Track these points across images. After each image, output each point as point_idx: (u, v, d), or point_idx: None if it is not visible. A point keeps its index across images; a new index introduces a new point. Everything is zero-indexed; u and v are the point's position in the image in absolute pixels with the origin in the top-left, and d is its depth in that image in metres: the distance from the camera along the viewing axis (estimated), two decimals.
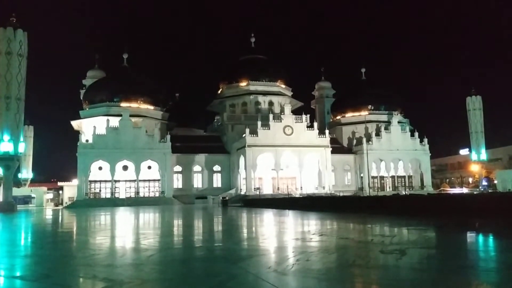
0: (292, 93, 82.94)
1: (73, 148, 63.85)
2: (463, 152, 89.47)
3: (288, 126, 66.43)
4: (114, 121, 64.77)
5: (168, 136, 66.46)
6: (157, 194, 65.66)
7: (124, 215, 27.34)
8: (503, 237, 9.66)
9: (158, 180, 66.11)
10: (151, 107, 73.37)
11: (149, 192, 66.55)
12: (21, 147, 49.99)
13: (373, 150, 72.69)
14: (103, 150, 62.57)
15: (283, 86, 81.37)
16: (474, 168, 79.13)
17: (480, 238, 9.86)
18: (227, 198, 51.92)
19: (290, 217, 19.77)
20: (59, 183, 79.02)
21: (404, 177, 76.20)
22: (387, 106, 79.77)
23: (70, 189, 73.69)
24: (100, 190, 65.84)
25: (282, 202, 37.18)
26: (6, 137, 47.49)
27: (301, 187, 64.75)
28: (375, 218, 16.48)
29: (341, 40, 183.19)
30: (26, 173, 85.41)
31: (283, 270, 5.57)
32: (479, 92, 79.99)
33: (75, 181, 68.19)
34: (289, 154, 65.63)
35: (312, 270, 5.63)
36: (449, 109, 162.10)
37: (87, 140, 64.14)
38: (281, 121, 66.61)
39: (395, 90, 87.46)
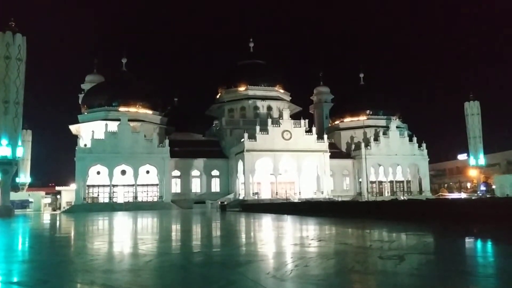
0: (290, 98, 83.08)
1: (71, 152, 63.88)
2: (461, 157, 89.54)
3: (287, 131, 66.49)
4: (113, 126, 64.76)
5: (167, 141, 66.46)
6: (155, 199, 65.54)
7: (122, 220, 27.26)
8: (502, 242, 9.66)
9: (157, 184, 66.00)
10: (150, 112, 73.41)
11: (147, 196, 66.41)
12: (19, 152, 49.83)
13: (371, 155, 72.79)
14: (101, 155, 62.50)
15: (282, 91, 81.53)
16: (472, 173, 79.20)
17: (479, 243, 9.86)
18: (225, 203, 51.84)
19: (289, 222, 19.75)
20: (57, 188, 78.79)
21: (402, 182, 76.22)
22: (385, 111, 79.99)
23: (68, 194, 73.42)
24: (98, 195, 65.67)
25: (280, 207, 37.12)
26: (4, 141, 47.36)
27: (300, 192, 64.70)
28: (373, 223, 16.47)
29: (340, 45, 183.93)
30: (24, 177, 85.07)
31: (282, 276, 5.56)
32: (477, 97, 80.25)
33: (73, 186, 68.05)
34: (287, 159, 65.63)
35: (311, 276, 5.62)
36: (447, 114, 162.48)
37: (85, 145, 64.06)
38: (279, 126, 66.67)
39: (393, 95, 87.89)
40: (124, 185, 65.62)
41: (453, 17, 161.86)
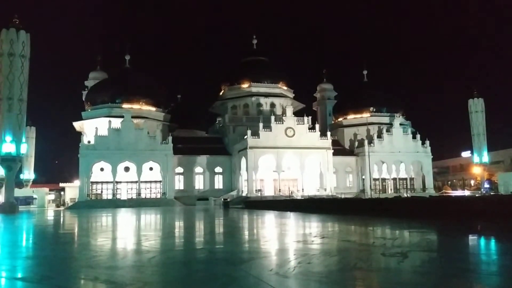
0: (294, 95, 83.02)
1: (75, 149, 64.07)
2: (465, 154, 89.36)
3: (290, 127, 66.44)
4: (116, 123, 64.89)
5: (170, 138, 66.57)
6: (158, 196, 65.71)
7: (125, 216, 27.36)
8: (505, 240, 9.64)
9: (160, 181, 66.17)
10: (153, 109, 73.49)
11: (150, 193, 66.60)
12: (23, 148, 50.06)
13: (374, 152, 72.63)
14: (104, 151, 62.67)
15: (285, 88, 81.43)
16: (476, 170, 78.98)
17: (482, 241, 9.83)
18: (228, 199, 51.89)
19: (292, 219, 19.74)
20: (61, 184, 79.05)
21: (405, 179, 76.10)
22: (389, 108, 79.79)
23: (71, 190, 73.73)
24: (101, 191, 65.91)
25: (283, 204, 37.13)
26: (8, 138, 47.57)
27: (303, 189, 64.70)
28: (376, 220, 16.46)
29: (343, 42, 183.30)
30: (28, 174, 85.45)
31: (285, 273, 5.56)
32: (481, 94, 79.98)
33: (76, 182, 68.30)
34: (290, 156, 65.61)
35: (313, 272, 5.61)
36: (451, 111, 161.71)
37: (89, 141, 64.26)
38: (282, 123, 66.62)
39: (397, 92, 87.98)
40: (127, 182, 65.82)
41: (456, 14, 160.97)
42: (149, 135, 65.79)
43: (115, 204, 58.07)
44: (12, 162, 48.26)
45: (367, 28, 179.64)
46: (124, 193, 65.47)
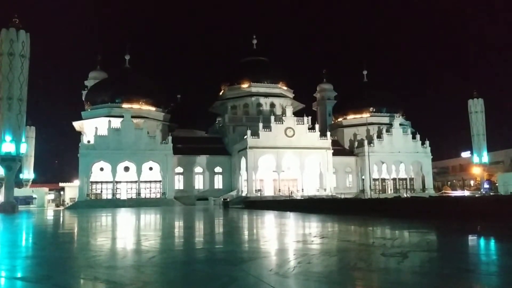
0: (293, 95, 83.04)
1: (75, 149, 64.07)
2: (465, 154, 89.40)
3: (290, 128, 66.44)
4: (116, 122, 64.89)
5: (170, 138, 66.57)
6: (158, 196, 65.69)
7: (125, 216, 27.35)
8: (505, 240, 9.64)
9: (160, 181, 66.15)
10: (153, 109, 73.48)
11: (150, 193, 66.58)
12: (23, 148, 50.03)
13: (374, 152, 72.65)
14: (104, 151, 62.66)
15: (285, 88, 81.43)
16: (476, 170, 78.99)
17: (482, 241, 9.83)
18: (228, 199, 51.87)
19: (291, 219, 19.73)
20: (61, 184, 79.05)
21: (405, 179, 76.09)
22: (388, 109, 79.82)
23: (71, 190, 73.74)
24: (101, 191, 65.90)
25: (283, 204, 37.13)
26: (8, 137, 47.56)
27: (302, 189, 64.69)
28: (376, 220, 16.46)
29: (343, 42, 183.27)
30: (28, 173, 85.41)
31: (285, 273, 5.56)
32: (481, 94, 80.00)
33: (76, 182, 68.30)
34: (290, 156, 65.60)
35: (313, 273, 5.61)
36: (451, 112, 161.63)
37: (88, 141, 64.27)
38: (282, 123, 66.62)
39: (396, 92, 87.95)
40: (127, 182, 65.80)
41: (456, 14, 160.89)
42: (149, 135, 65.81)
43: (114, 204, 58.06)
44: (12, 162, 48.24)
45: (367, 28, 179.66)
46: (124, 193, 65.48)
